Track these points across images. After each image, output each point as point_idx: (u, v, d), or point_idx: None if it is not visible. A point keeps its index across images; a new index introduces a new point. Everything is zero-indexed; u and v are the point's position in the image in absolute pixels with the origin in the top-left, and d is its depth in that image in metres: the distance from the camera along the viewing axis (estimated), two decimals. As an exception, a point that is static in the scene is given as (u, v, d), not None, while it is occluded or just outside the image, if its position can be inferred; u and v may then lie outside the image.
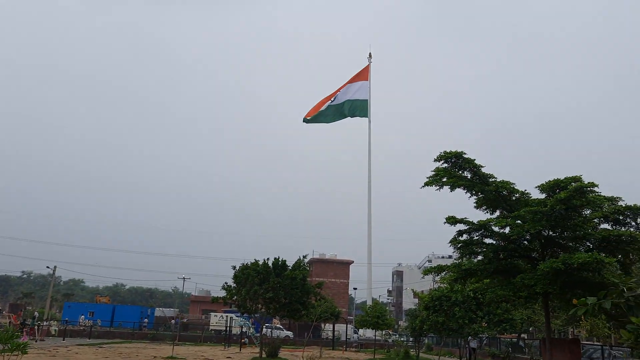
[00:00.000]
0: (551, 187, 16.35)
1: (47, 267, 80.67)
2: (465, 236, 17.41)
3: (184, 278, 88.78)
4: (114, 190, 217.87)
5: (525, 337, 40.22)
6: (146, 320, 62.95)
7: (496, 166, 17.14)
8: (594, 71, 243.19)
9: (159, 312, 73.31)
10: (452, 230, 17.42)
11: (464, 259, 18.64)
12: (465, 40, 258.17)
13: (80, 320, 58.55)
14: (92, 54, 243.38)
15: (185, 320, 64.84)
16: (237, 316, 49.88)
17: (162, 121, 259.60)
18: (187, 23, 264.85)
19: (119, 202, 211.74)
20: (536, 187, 16.93)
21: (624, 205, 15.59)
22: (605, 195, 15.78)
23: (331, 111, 60.14)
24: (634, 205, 15.38)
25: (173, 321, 63.09)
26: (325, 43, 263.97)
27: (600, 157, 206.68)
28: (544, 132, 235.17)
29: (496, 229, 16.78)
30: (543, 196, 16.62)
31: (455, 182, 16.89)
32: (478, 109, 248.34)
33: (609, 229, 15.77)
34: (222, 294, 36.15)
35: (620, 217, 15.69)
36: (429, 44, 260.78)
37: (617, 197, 15.98)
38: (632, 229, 15.58)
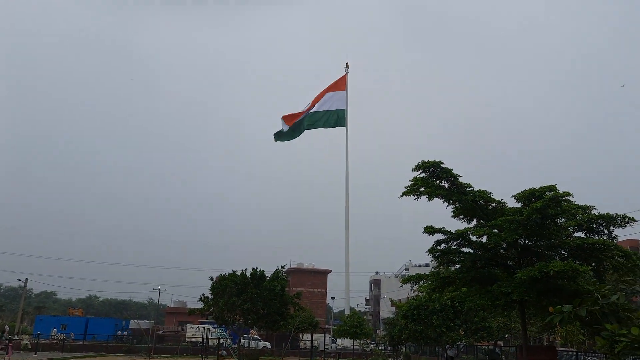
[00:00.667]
0: (527, 197, 16.64)
1: (18, 279, 78.61)
2: (443, 245, 17.57)
3: (159, 289, 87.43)
4: (86, 200, 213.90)
5: (502, 345, 40.66)
6: (119, 332, 61.83)
7: (474, 175, 17.37)
8: (568, 79, 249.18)
9: (133, 324, 72.14)
10: (430, 239, 17.59)
11: (442, 267, 18.84)
12: (438, 50, 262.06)
13: (53, 334, 57.25)
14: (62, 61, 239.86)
15: (160, 332, 63.77)
16: (214, 327, 49.32)
17: (135, 131, 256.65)
18: (162, 36, 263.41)
19: (91, 212, 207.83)
20: (512, 197, 17.22)
21: (597, 214, 16.00)
22: (579, 204, 16.18)
23: (292, 129, 60.69)
24: (607, 213, 15.80)
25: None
26: (301, 56, 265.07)
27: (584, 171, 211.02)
28: (519, 139, 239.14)
29: (474, 238, 16.97)
30: (519, 205, 16.89)
31: (433, 192, 17.04)
32: (455, 119, 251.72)
33: (583, 237, 16.11)
34: (199, 305, 35.77)
35: (594, 226, 16.07)
36: (403, 55, 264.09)
37: (590, 206, 16.40)
38: (605, 237, 15.97)
